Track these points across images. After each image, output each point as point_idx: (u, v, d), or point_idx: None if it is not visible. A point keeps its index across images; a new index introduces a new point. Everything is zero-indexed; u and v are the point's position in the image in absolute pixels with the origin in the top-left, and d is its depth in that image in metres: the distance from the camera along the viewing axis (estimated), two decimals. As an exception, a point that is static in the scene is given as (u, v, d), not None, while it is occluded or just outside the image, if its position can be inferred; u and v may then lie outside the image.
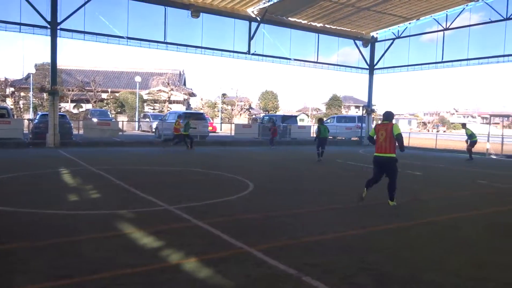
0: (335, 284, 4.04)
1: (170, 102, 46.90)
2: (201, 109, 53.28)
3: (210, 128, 23.44)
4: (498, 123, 48.99)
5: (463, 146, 23.19)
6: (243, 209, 7.33)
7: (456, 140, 28.65)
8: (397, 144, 7.52)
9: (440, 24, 24.45)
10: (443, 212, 7.59)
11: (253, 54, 24.12)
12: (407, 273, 4.42)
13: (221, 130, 42.30)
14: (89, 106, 43.33)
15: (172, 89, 46.74)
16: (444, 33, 24.48)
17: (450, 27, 23.99)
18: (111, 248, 4.99)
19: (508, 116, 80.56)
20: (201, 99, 58.60)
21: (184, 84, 53.69)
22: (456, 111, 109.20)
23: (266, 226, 6.22)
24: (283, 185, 10.27)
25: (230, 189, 9.26)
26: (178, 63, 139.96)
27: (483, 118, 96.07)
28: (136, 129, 37.95)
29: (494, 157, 20.86)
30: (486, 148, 21.42)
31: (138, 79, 41.44)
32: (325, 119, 45.83)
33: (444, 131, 65.36)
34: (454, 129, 76.10)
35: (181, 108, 45.75)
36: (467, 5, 22.48)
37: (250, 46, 23.94)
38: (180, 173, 12.12)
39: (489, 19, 21.98)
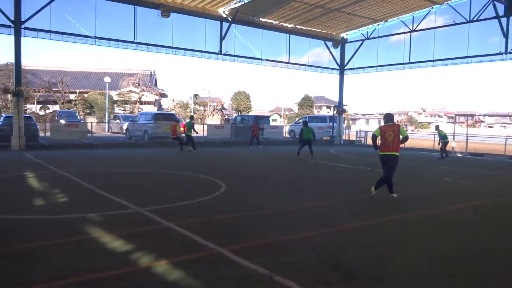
0: (306, 283, 4.08)
1: (141, 103, 46.17)
2: (173, 110, 52.71)
3: (182, 129, 23.21)
4: (463, 122, 50.83)
5: (430, 144, 23.99)
6: (215, 210, 7.30)
7: (423, 139, 29.44)
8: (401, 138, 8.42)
9: (407, 26, 25.10)
10: (412, 209, 7.82)
11: (224, 54, 24.05)
12: (377, 270, 4.52)
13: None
14: (56, 107, 42.07)
15: (143, 90, 46.00)
16: (411, 34, 25.16)
17: (417, 29, 24.68)
18: (79, 252, 4.87)
19: (472, 115, 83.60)
20: (173, 99, 57.99)
21: (155, 85, 52.97)
22: (424, 111, 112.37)
23: (238, 227, 6.23)
24: (255, 185, 10.29)
25: (202, 190, 9.21)
26: (148, 63, 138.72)
27: (449, 117, 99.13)
28: (106, 130, 37.18)
29: (460, 155, 21.60)
30: (452, 146, 22.15)
31: (107, 79, 40.55)
32: (297, 119, 46.49)
33: (412, 130, 67.14)
34: (422, 128, 78.32)
35: (153, 109, 45.13)
36: (432, 7, 23.20)
37: (221, 47, 23.87)
38: (152, 175, 11.96)
39: (453, 21, 22.73)
